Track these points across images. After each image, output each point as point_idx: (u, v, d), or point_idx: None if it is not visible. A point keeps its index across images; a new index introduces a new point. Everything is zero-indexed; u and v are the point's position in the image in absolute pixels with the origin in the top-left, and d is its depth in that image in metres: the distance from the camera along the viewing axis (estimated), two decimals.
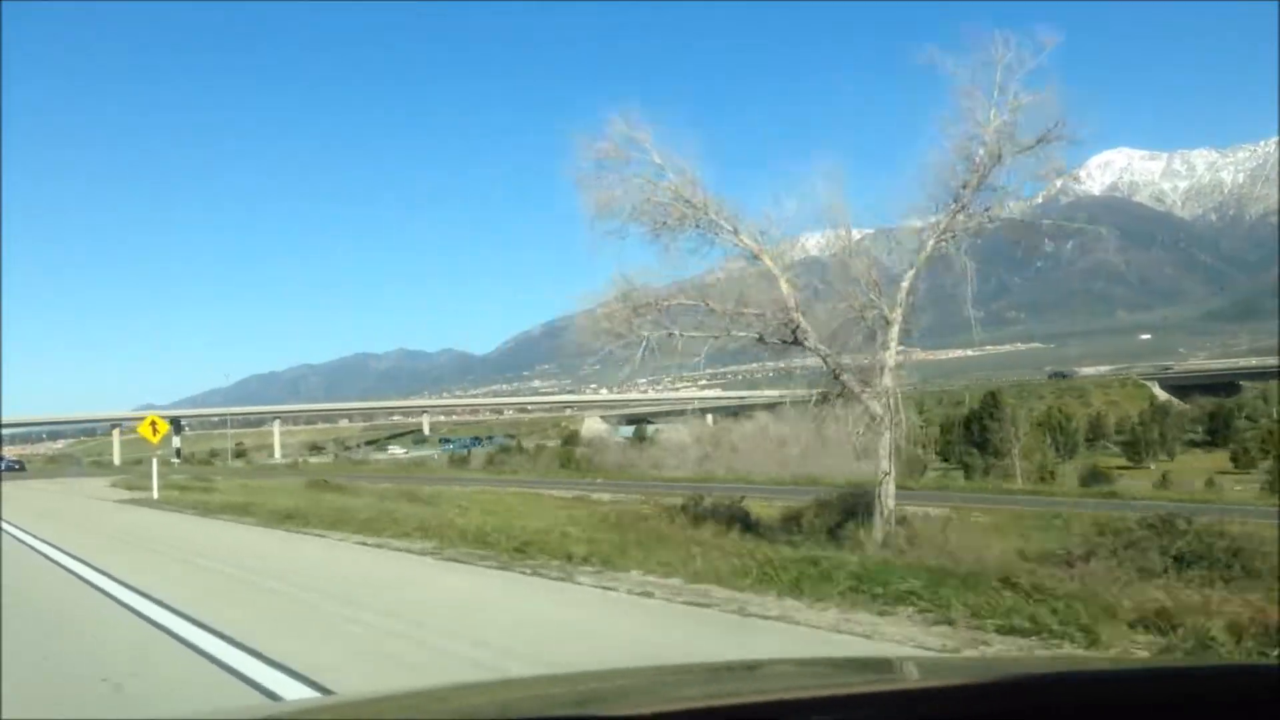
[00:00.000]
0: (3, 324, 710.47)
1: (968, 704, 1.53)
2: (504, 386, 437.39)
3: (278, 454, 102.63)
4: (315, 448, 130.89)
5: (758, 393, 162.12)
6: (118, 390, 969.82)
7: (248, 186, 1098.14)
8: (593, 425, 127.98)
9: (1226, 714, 1.52)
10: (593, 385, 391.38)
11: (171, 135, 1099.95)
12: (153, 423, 30.55)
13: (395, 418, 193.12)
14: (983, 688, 1.65)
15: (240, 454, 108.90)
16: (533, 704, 1.94)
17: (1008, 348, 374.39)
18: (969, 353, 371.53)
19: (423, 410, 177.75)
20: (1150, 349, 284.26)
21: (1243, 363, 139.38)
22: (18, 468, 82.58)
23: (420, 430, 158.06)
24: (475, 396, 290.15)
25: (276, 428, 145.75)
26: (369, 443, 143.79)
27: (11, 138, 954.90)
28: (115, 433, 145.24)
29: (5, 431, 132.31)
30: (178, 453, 50.24)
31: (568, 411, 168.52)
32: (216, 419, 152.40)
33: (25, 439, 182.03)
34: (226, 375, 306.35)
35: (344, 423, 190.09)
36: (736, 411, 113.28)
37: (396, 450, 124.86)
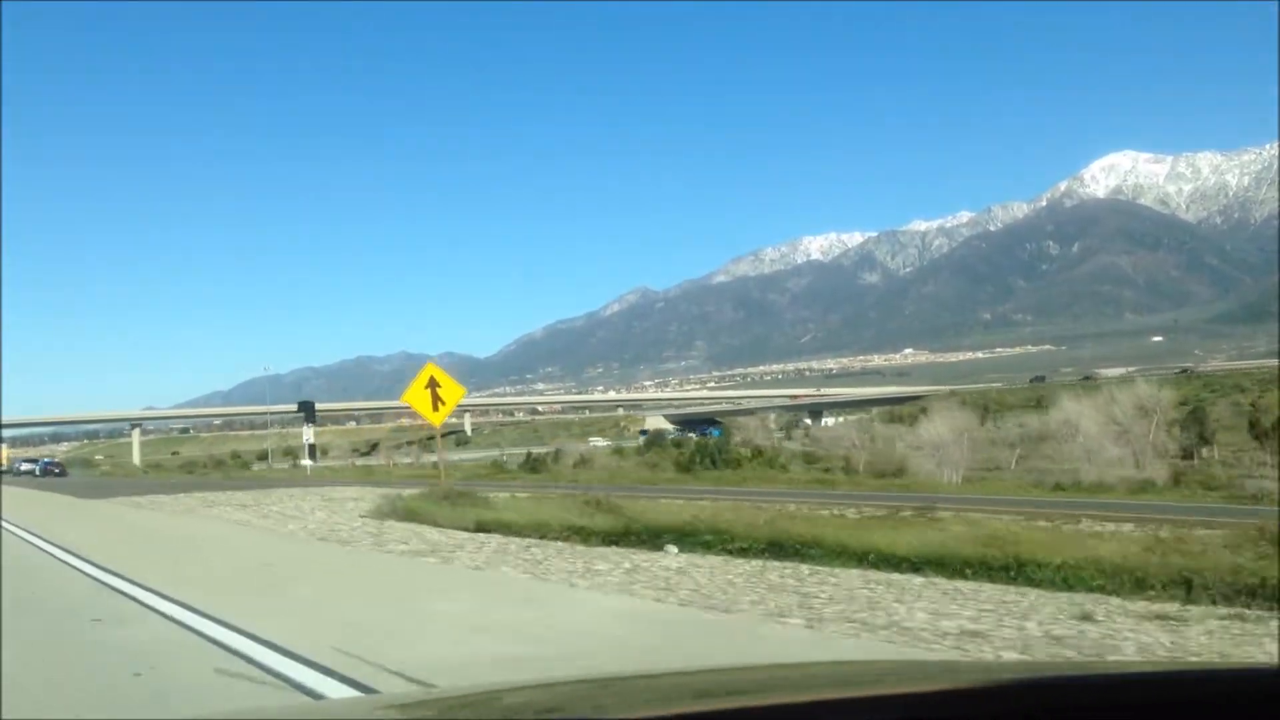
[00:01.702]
0: (2, 325, 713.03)
1: (968, 707, 1.53)
2: (508, 389, 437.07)
3: (305, 459, 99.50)
4: (359, 451, 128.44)
5: (846, 391, 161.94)
6: (117, 392, 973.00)
7: (248, 188, 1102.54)
8: (656, 424, 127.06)
9: (1225, 717, 1.52)
10: (599, 387, 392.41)
11: (174, 136, 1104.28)
12: (431, 381, 17.16)
13: (404, 419, 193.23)
14: (984, 691, 1.64)
15: (262, 456, 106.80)
16: (543, 708, 1.90)
17: (1018, 350, 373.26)
18: (979, 355, 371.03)
19: (463, 410, 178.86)
20: (1165, 351, 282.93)
21: None
22: (57, 472, 71.04)
23: (462, 431, 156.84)
24: (482, 398, 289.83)
25: (309, 430, 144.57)
26: (411, 443, 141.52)
27: (16, 138, 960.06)
28: (135, 433, 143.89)
29: (6, 433, 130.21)
30: (312, 452, 40.23)
31: (620, 411, 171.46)
32: (220, 421, 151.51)
33: (26, 441, 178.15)
34: (266, 368, 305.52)
35: (350, 424, 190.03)
36: (820, 410, 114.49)
37: (598, 442, 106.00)
